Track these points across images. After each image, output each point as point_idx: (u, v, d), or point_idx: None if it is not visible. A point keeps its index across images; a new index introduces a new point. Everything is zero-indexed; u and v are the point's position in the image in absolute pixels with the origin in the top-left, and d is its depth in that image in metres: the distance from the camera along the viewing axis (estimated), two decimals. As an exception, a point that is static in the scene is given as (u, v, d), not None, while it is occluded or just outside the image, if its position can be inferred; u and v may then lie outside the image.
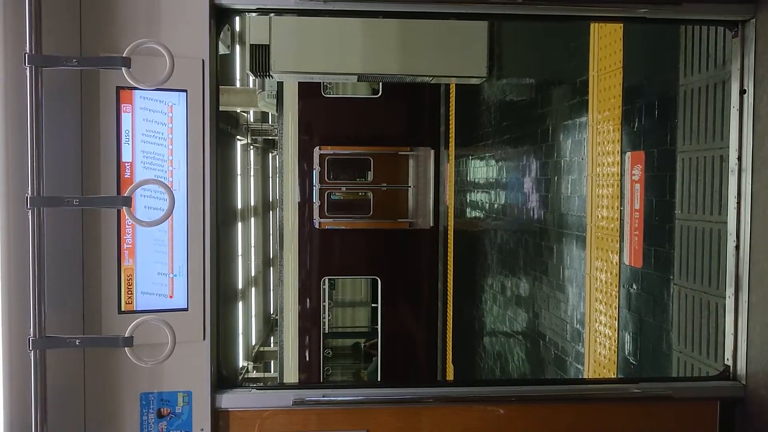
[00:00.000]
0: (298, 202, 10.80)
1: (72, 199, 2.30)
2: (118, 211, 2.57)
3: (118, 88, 2.56)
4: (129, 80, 2.32)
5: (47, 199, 2.27)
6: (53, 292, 2.39)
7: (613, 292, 4.67)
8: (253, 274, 21.79)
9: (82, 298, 2.62)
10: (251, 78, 10.97)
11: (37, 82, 2.24)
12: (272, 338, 22.44)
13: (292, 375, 10.97)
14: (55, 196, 2.29)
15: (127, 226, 2.60)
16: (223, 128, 15.70)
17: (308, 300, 10.87)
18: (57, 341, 2.29)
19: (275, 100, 10.90)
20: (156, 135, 2.62)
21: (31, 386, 2.26)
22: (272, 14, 2.91)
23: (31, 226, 2.24)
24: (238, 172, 19.31)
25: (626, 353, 4.50)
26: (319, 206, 10.82)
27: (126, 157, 2.59)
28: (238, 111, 17.25)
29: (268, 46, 8.18)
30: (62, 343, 2.30)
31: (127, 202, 2.35)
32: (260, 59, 8.30)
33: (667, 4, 2.78)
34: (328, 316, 12.75)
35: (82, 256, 2.61)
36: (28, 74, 2.23)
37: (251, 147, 20.67)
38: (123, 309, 2.61)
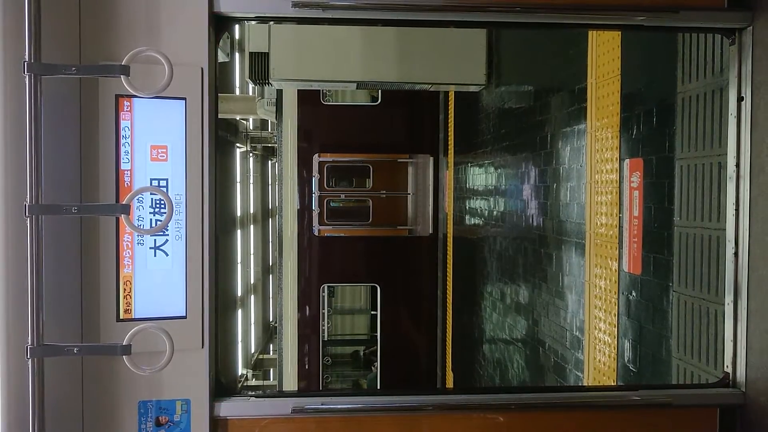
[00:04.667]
0: (298, 210, 10.80)
1: (70, 207, 2.30)
2: (117, 219, 2.57)
3: (117, 96, 2.57)
4: (128, 88, 2.33)
5: (46, 207, 2.26)
6: (51, 299, 2.39)
7: (613, 299, 4.67)
8: (252, 282, 21.77)
9: (81, 306, 2.61)
10: (250, 86, 11.00)
11: (36, 90, 2.24)
12: (271, 346, 22.40)
13: (291, 383, 10.94)
14: (53, 204, 2.29)
15: (125, 234, 2.60)
16: (222, 136, 15.73)
17: (307, 307, 10.86)
18: (55, 349, 2.29)
19: (274, 107, 10.92)
20: (155, 143, 2.62)
21: (29, 394, 2.25)
22: (271, 22, 2.92)
23: (29, 234, 2.24)
24: (238, 179, 19.33)
25: (626, 360, 4.49)
26: (319, 213, 10.82)
27: (125, 164, 2.60)
28: (238, 118, 17.29)
29: (268, 53, 8.20)
30: (60, 351, 2.29)
31: (126, 209, 2.35)
32: (259, 67, 8.32)
33: (664, 12, 2.79)
34: (328, 323, 12.73)
35: (80, 264, 2.61)
36: (27, 82, 2.23)
37: (250, 154, 20.70)
38: (121, 317, 2.61)
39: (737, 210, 2.91)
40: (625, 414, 2.87)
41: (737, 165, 2.90)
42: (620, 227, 4.56)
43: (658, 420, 2.86)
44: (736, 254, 2.91)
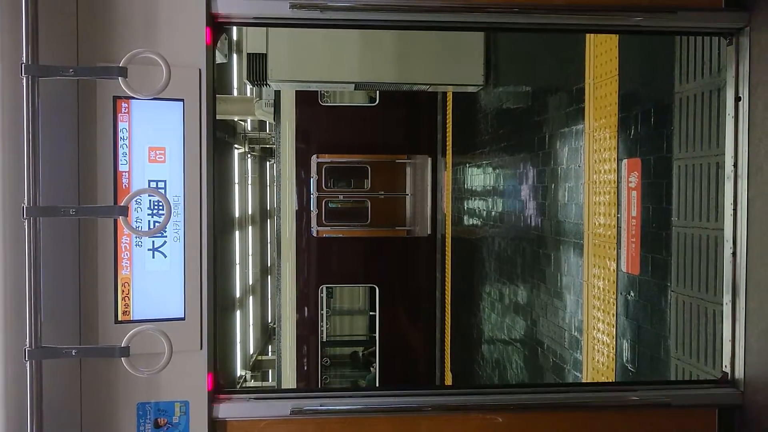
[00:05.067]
0: (296, 211, 10.80)
1: (68, 209, 2.30)
2: (115, 221, 2.57)
3: (115, 98, 2.57)
4: (126, 90, 2.33)
5: (44, 209, 2.26)
6: (49, 302, 2.38)
7: (611, 300, 4.67)
8: (250, 283, 21.75)
9: (79, 308, 2.61)
10: (248, 86, 10.99)
11: (34, 92, 2.24)
12: (270, 347, 22.39)
13: (290, 384, 10.93)
14: (51, 206, 2.29)
15: (123, 236, 2.60)
16: (220, 137, 15.71)
17: (306, 308, 10.85)
18: (53, 351, 2.29)
19: (272, 108, 10.92)
20: (152, 144, 2.62)
21: (27, 397, 2.25)
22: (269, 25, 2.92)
23: (27, 236, 2.24)
24: (236, 180, 19.32)
25: (624, 360, 4.50)
26: (317, 214, 10.82)
27: (123, 166, 2.59)
28: (236, 119, 17.28)
29: (266, 54, 8.20)
30: (58, 353, 2.29)
31: (124, 211, 2.35)
32: (257, 68, 8.32)
33: (662, 13, 2.80)
34: (326, 324, 12.73)
35: (78, 266, 2.61)
36: (24, 84, 2.23)
37: (249, 155, 20.69)
38: (120, 319, 2.60)
39: (735, 210, 2.91)
40: (624, 414, 2.87)
41: (735, 165, 2.91)
42: (618, 227, 4.57)
43: (656, 420, 2.87)
44: (734, 254, 2.92)
